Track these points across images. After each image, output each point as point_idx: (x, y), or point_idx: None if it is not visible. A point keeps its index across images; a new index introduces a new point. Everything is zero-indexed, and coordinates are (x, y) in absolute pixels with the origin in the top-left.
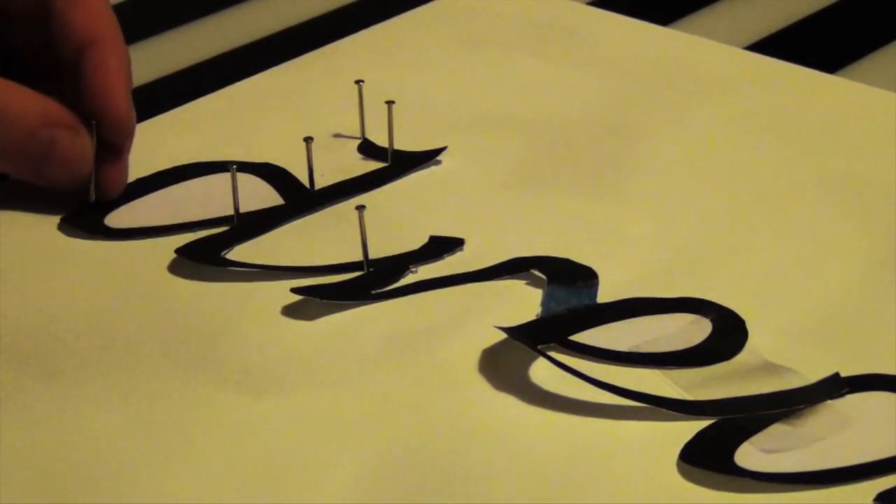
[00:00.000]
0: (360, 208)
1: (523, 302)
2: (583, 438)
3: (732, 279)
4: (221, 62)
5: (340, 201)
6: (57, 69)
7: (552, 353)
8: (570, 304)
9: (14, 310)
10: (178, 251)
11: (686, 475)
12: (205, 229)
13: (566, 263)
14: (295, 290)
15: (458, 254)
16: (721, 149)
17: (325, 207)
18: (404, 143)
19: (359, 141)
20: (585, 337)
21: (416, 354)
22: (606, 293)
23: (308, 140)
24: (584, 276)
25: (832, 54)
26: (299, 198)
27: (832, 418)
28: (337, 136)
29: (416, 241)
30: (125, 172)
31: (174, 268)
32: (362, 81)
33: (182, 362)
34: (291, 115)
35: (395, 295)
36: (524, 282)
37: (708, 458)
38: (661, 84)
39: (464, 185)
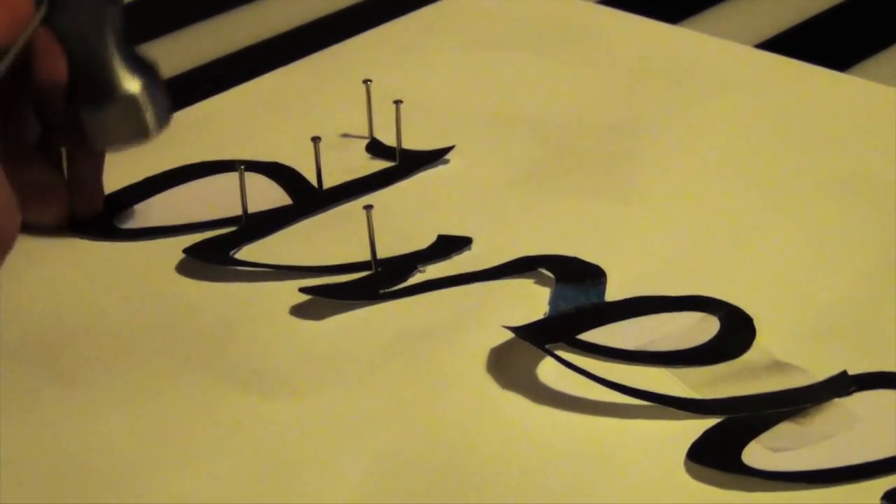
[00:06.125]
0: (368, 208)
1: (531, 301)
2: (590, 437)
3: (740, 277)
4: (229, 62)
5: (348, 201)
6: None
7: (560, 353)
8: (578, 302)
9: (23, 310)
10: (186, 251)
11: (693, 474)
12: (213, 229)
13: (574, 262)
14: (303, 290)
15: (466, 253)
16: (730, 147)
17: (334, 207)
18: (412, 142)
19: (367, 140)
20: (593, 336)
21: (424, 353)
22: (614, 292)
23: (316, 140)
24: (592, 275)
25: (842, 52)
26: (307, 197)
27: (840, 417)
28: (345, 135)
29: (424, 241)
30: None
31: (182, 267)
32: (370, 81)
33: (190, 362)
34: (299, 114)
35: (403, 294)
36: (532, 281)
37: (715, 456)
38: (670, 82)
39: (472, 185)
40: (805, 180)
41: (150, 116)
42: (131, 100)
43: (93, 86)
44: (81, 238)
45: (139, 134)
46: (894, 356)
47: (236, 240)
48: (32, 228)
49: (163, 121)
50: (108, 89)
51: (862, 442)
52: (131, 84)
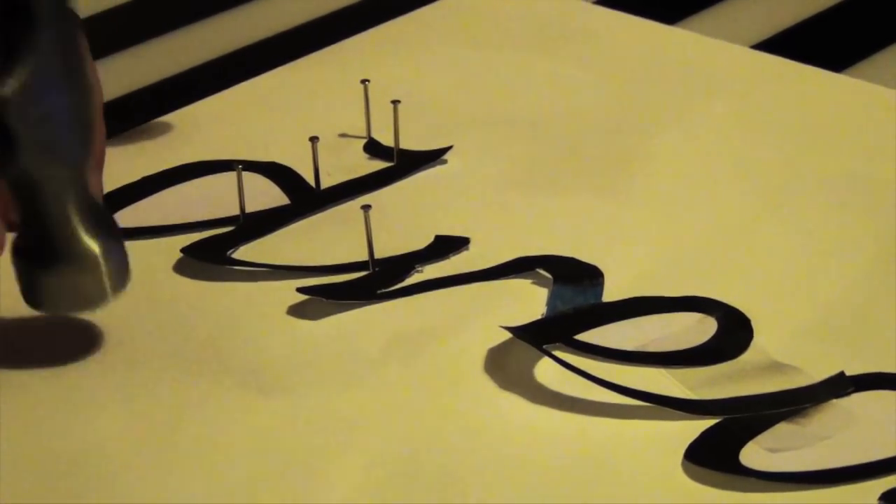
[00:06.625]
0: (366, 208)
1: (529, 301)
2: (588, 438)
3: (738, 278)
4: (227, 62)
5: (346, 201)
6: None
7: (557, 353)
8: (575, 302)
9: (19, 308)
10: (183, 250)
11: (691, 474)
12: (210, 229)
13: (572, 262)
14: (301, 290)
15: (464, 253)
16: (727, 147)
17: (331, 207)
18: (410, 142)
19: (365, 140)
20: (591, 336)
21: (422, 353)
22: (612, 292)
23: (314, 139)
24: (589, 275)
25: (838, 53)
26: (305, 197)
27: (837, 417)
28: (343, 135)
29: (421, 241)
30: None
31: (180, 267)
32: (368, 81)
33: (187, 361)
34: (297, 114)
35: (400, 294)
36: (530, 281)
37: (713, 457)
38: (667, 83)
39: (469, 185)
40: (802, 181)
41: (108, 280)
42: (91, 263)
43: (49, 246)
44: None
45: (96, 299)
46: (892, 357)
47: (234, 239)
48: None
49: (119, 286)
50: (64, 254)
51: (859, 443)
52: (91, 246)
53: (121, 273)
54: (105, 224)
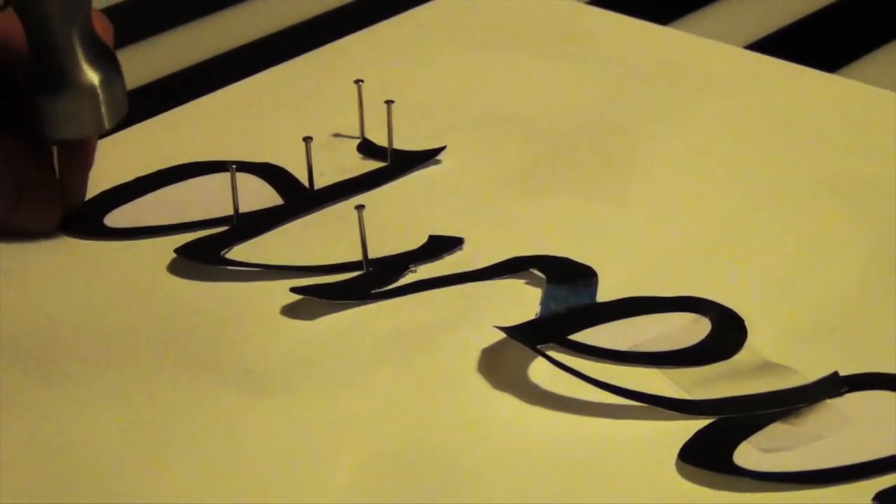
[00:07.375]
0: (360, 208)
1: (523, 301)
2: (582, 438)
3: (732, 278)
4: (221, 62)
5: (340, 201)
6: None
7: (551, 353)
8: (569, 303)
9: (14, 309)
10: (177, 251)
11: (685, 475)
12: (204, 229)
13: (565, 262)
14: (294, 290)
15: (458, 253)
16: (721, 148)
17: (325, 207)
18: (404, 142)
19: (358, 140)
20: (585, 336)
21: (416, 354)
22: (606, 292)
23: (307, 140)
24: (583, 275)
25: (832, 53)
26: (299, 197)
27: (831, 417)
28: (336, 135)
29: (415, 241)
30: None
31: (173, 267)
32: (362, 81)
33: (181, 362)
34: (291, 114)
35: (394, 294)
36: (523, 281)
37: (707, 457)
38: (661, 83)
39: (463, 185)
40: (796, 181)
41: (105, 109)
42: (89, 92)
43: (51, 74)
44: (72, 237)
45: (93, 126)
46: (886, 357)
47: (227, 240)
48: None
49: (118, 114)
50: (66, 78)
51: (853, 443)
52: (90, 75)
53: (118, 105)
54: (105, 57)
